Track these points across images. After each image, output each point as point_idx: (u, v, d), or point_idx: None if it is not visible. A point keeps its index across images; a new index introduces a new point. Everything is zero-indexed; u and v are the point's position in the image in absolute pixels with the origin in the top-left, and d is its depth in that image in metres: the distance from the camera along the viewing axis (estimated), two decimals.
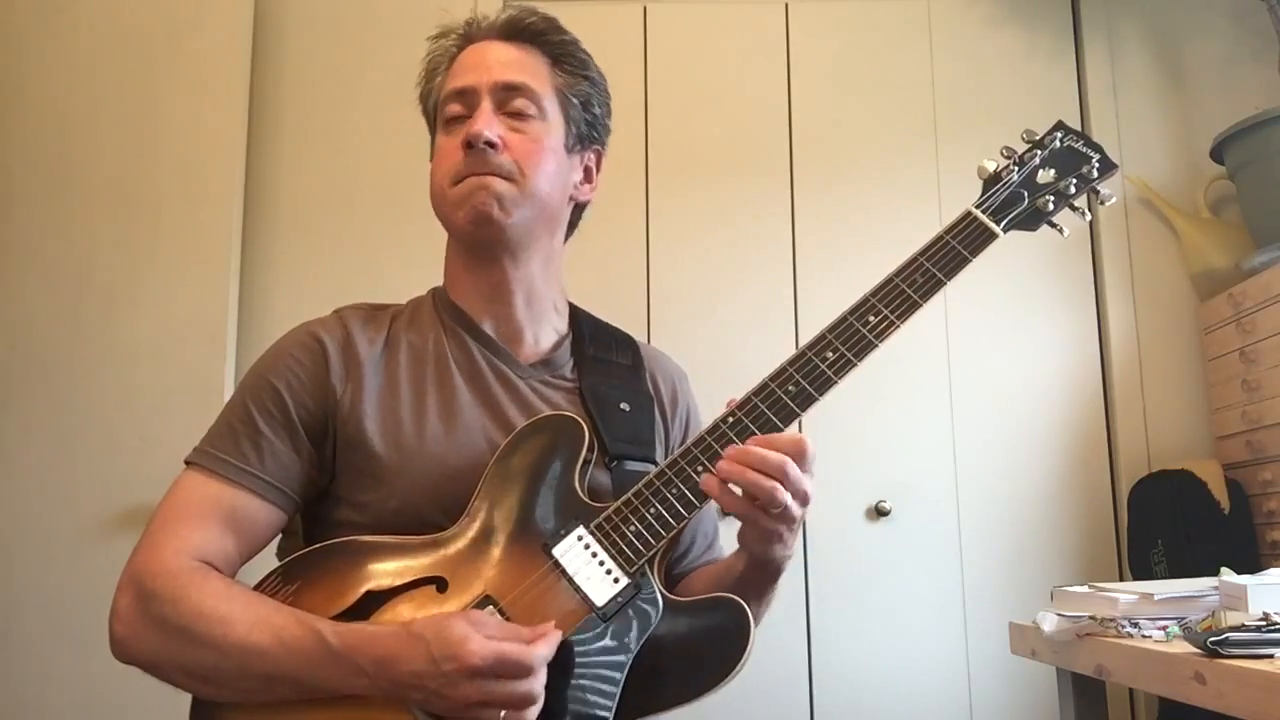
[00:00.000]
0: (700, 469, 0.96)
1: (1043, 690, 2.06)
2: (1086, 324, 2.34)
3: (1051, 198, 1.07)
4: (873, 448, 2.25)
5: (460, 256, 1.14)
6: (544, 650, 0.88)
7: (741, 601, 0.94)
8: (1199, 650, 1.04)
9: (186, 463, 1.03)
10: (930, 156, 2.38)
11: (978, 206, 1.06)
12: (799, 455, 0.93)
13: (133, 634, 0.93)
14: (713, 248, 2.34)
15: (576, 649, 0.92)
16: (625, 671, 0.92)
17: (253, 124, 2.30)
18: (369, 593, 0.95)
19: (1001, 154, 1.11)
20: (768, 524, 0.94)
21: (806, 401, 0.97)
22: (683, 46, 2.42)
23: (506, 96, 1.10)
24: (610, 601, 0.93)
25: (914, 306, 1.00)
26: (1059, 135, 1.11)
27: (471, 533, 0.98)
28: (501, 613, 0.93)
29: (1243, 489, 2.11)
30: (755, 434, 0.95)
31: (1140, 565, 2.13)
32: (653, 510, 0.96)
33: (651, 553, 0.95)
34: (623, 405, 1.12)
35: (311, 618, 0.91)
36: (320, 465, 1.05)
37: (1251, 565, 1.85)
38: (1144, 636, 1.20)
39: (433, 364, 1.09)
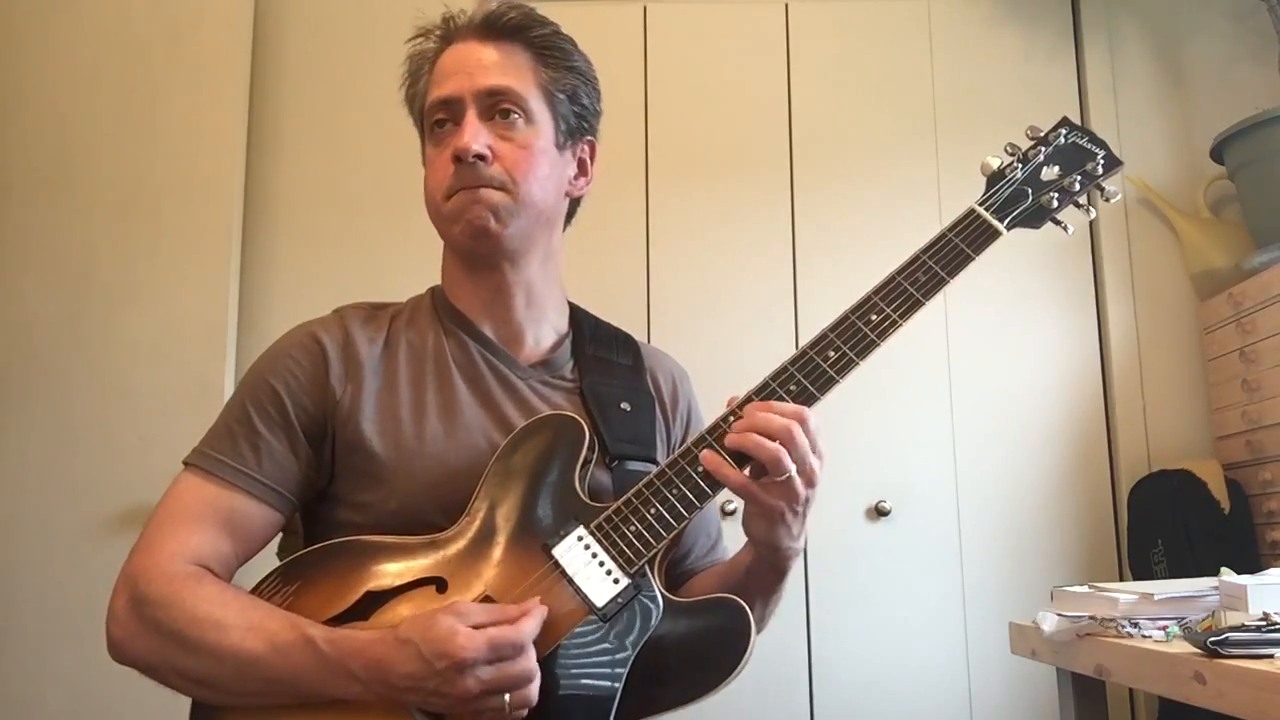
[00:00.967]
0: (700, 469, 0.95)
1: (1043, 690, 2.06)
2: (1086, 324, 2.34)
3: (1056, 195, 1.06)
4: (873, 448, 2.25)
5: (458, 262, 1.14)
6: (531, 624, 0.88)
7: (742, 602, 0.94)
8: (1199, 650, 1.04)
9: (184, 464, 1.03)
10: (930, 156, 2.38)
11: (981, 204, 1.06)
12: (801, 421, 0.92)
13: (128, 637, 0.94)
14: (713, 248, 2.34)
15: (576, 650, 0.92)
16: (625, 672, 0.92)
17: (253, 124, 2.30)
18: (369, 593, 0.95)
19: (1005, 150, 1.10)
20: (770, 500, 0.93)
21: (808, 400, 0.97)
22: (683, 46, 2.42)
23: (491, 102, 1.07)
24: (610, 602, 0.93)
25: (916, 305, 0.99)
26: (1064, 131, 1.10)
27: (471, 533, 0.98)
28: None
29: (1243, 489, 2.11)
30: (718, 456, 0.95)
31: (1140, 565, 2.13)
32: (653, 510, 0.95)
33: (652, 553, 0.95)
34: (623, 405, 1.11)
35: (305, 623, 0.91)
36: (319, 466, 1.04)
37: (1251, 565, 1.85)
38: (1144, 636, 1.20)
39: (432, 364, 1.09)
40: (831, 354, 0.98)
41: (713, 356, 2.17)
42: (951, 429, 2.28)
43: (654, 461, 1.10)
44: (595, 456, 1.04)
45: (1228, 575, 1.23)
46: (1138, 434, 2.27)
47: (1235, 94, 2.35)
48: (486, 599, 0.94)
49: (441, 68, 1.11)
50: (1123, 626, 1.23)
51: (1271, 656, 0.98)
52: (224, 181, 2.22)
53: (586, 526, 0.96)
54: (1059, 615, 1.32)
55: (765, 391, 0.97)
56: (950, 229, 1.03)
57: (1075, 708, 1.43)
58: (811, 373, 0.97)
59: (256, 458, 1.01)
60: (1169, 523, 2.08)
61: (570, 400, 1.11)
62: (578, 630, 0.92)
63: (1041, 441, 2.28)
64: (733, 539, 1.22)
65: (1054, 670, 1.45)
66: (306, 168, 2.33)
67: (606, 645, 0.92)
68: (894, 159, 2.38)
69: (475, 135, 1.05)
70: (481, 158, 1.05)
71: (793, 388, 0.97)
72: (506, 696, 0.85)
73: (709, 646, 0.93)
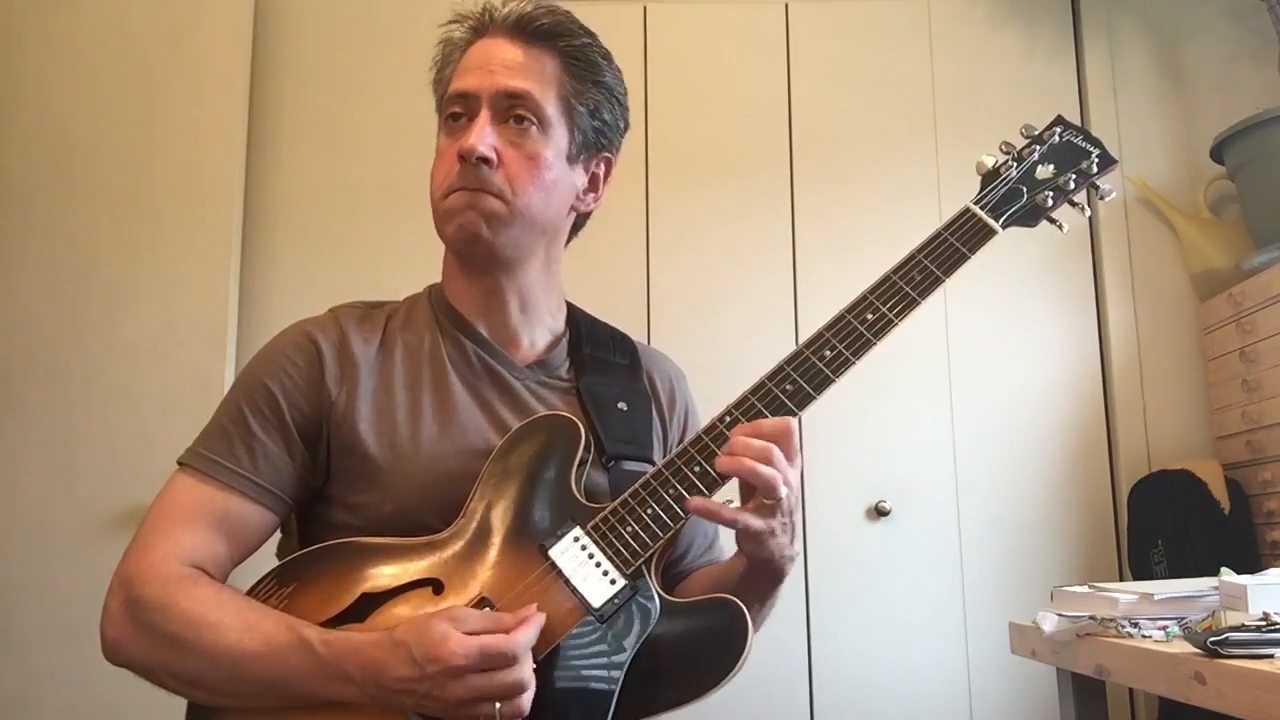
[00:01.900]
0: (698, 469, 0.95)
1: (1043, 690, 2.05)
2: (1086, 324, 2.34)
3: (1051, 193, 1.06)
4: (873, 448, 2.25)
5: (455, 261, 1.13)
6: (526, 635, 0.87)
7: (740, 603, 0.94)
8: (1199, 650, 1.04)
9: (179, 464, 1.02)
10: (930, 156, 2.38)
11: (976, 203, 1.05)
12: (784, 436, 0.93)
13: (123, 638, 0.93)
14: (713, 248, 2.34)
15: (574, 651, 0.92)
16: (623, 673, 0.91)
17: (253, 124, 2.31)
18: (365, 595, 0.94)
19: (1000, 149, 1.10)
20: (758, 524, 0.93)
21: (804, 400, 0.97)
22: (683, 46, 2.42)
23: (508, 105, 1.05)
24: (607, 603, 0.93)
25: (912, 304, 0.99)
26: (1058, 130, 1.10)
27: (468, 534, 0.98)
28: None
29: (1243, 489, 2.11)
30: (706, 500, 0.95)
31: (1140, 565, 2.13)
32: (649, 511, 0.95)
33: (649, 554, 0.94)
34: (620, 405, 1.11)
35: (300, 625, 0.91)
36: (314, 467, 1.04)
37: (1251, 565, 1.85)
38: (1144, 636, 1.20)
39: (428, 365, 1.09)
40: (828, 353, 0.98)
41: (713, 356, 2.16)
42: (951, 429, 2.28)
43: (650, 462, 1.09)
44: (592, 457, 1.04)
45: (1228, 575, 1.23)
46: (1138, 434, 2.27)
47: (1235, 94, 2.35)
48: (483, 600, 0.94)
49: (467, 60, 1.09)
50: (1123, 626, 1.23)
51: (1271, 656, 0.98)
52: (224, 181, 2.23)
53: (583, 527, 0.96)
54: (1059, 615, 1.32)
55: (761, 392, 0.97)
56: (945, 228, 1.03)
57: (1075, 708, 1.43)
58: (807, 372, 0.97)
59: (251, 458, 1.01)
60: (1169, 523, 2.08)
61: (566, 401, 1.11)
62: (575, 631, 0.92)
63: (1041, 441, 2.28)
64: (731, 539, 1.22)
65: (1054, 670, 1.45)
66: (306, 168, 2.34)
67: (604, 646, 0.92)
68: (894, 159, 2.38)
69: (482, 137, 1.03)
70: (486, 161, 1.03)
71: (789, 387, 0.97)
72: (497, 705, 0.85)
73: (707, 647, 0.93)
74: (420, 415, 1.05)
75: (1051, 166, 1.07)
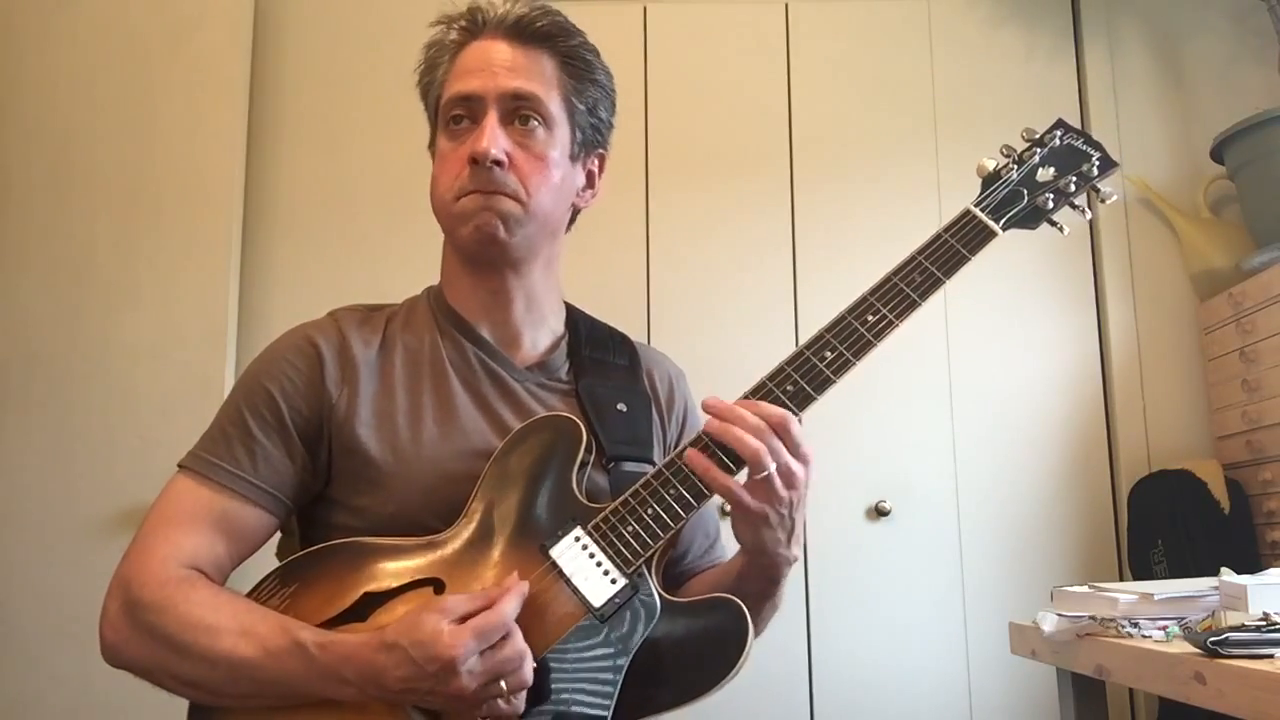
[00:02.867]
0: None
1: (1043, 690, 2.05)
2: (1086, 324, 2.34)
3: (1051, 196, 1.06)
4: (873, 448, 2.25)
5: (459, 262, 1.13)
6: (510, 603, 0.88)
7: (740, 603, 0.94)
8: (1199, 650, 1.04)
9: (179, 467, 1.02)
10: (930, 156, 2.38)
11: (977, 205, 1.06)
12: (779, 426, 0.92)
13: (122, 640, 0.94)
14: (713, 248, 2.34)
15: (574, 650, 0.92)
16: (623, 672, 0.92)
17: (253, 124, 2.31)
18: (367, 594, 0.95)
19: (1001, 152, 1.10)
20: (749, 501, 0.93)
21: (804, 401, 0.97)
22: (683, 46, 2.42)
23: (514, 106, 1.06)
24: (608, 602, 0.93)
25: (912, 306, 0.99)
26: (1059, 133, 1.10)
27: (469, 534, 0.98)
28: None
29: (1243, 489, 2.11)
30: (703, 458, 0.95)
31: (1140, 565, 2.13)
32: (650, 511, 0.95)
33: (649, 553, 0.95)
34: (620, 406, 1.11)
35: (296, 627, 0.91)
36: (314, 470, 1.04)
37: (1251, 565, 1.85)
38: (1144, 636, 1.20)
39: (428, 367, 1.09)
40: (828, 354, 0.98)
41: (713, 356, 2.17)
42: (951, 429, 2.28)
43: (651, 462, 1.10)
44: (592, 458, 1.04)
45: (1228, 575, 1.22)
46: (1138, 434, 2.27)
47: (1235, 94, 2.35)
48: None
49: (464, 62, 1.09)
50: (1123, 626, 1.23)
51: (1271, 656, 0.98)
52: (224, 181, 2.23)
53: (584, 527, 0.96)
54: (1059, 615, 1.32)
55: (762, 393, 0.97)
56: (946, 230, 1.03)
57: (1075, 708, 1.43)
58: (808, 373, 0.97)
59: (251, 461, 1.01)
60: (1169, 523, 2.08)
61: (566, 402, 1.11)
62: (575, 630, 0.92)
63: (1041, 441, 2.28)
64: (731, 539, 1.22)
65: (1054, 670, 1.45)
66: (306, 168, 2.33)
67: (604, 645, 0.92)
68: (894, 159, 2.38)
69: (495, 139, 1.04)
70: (499, 163, 1.04)
71: (789, 388, 0.97)
72: (503, 683, 0.85)
73: (706, 647, 0.93)
74: (421, 417, 1.05)
75: (1052, 169, 1.08)
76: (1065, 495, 2.26)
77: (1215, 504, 2.06)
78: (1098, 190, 1.10)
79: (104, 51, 2.26)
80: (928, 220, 2.38)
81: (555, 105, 1.08)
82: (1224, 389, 2.21)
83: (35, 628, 2.04)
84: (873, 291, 1.00)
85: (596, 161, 1.17)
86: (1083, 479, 2.27)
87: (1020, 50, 2.44)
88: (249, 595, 0.97)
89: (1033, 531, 2.24)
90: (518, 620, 0.89)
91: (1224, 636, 1.01)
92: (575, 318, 1.20)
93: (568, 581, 0.94)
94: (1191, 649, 1.06)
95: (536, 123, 1.07)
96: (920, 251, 1.02)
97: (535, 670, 0.88)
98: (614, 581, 0.94)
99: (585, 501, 0.99)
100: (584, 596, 0.93)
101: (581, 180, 1.15)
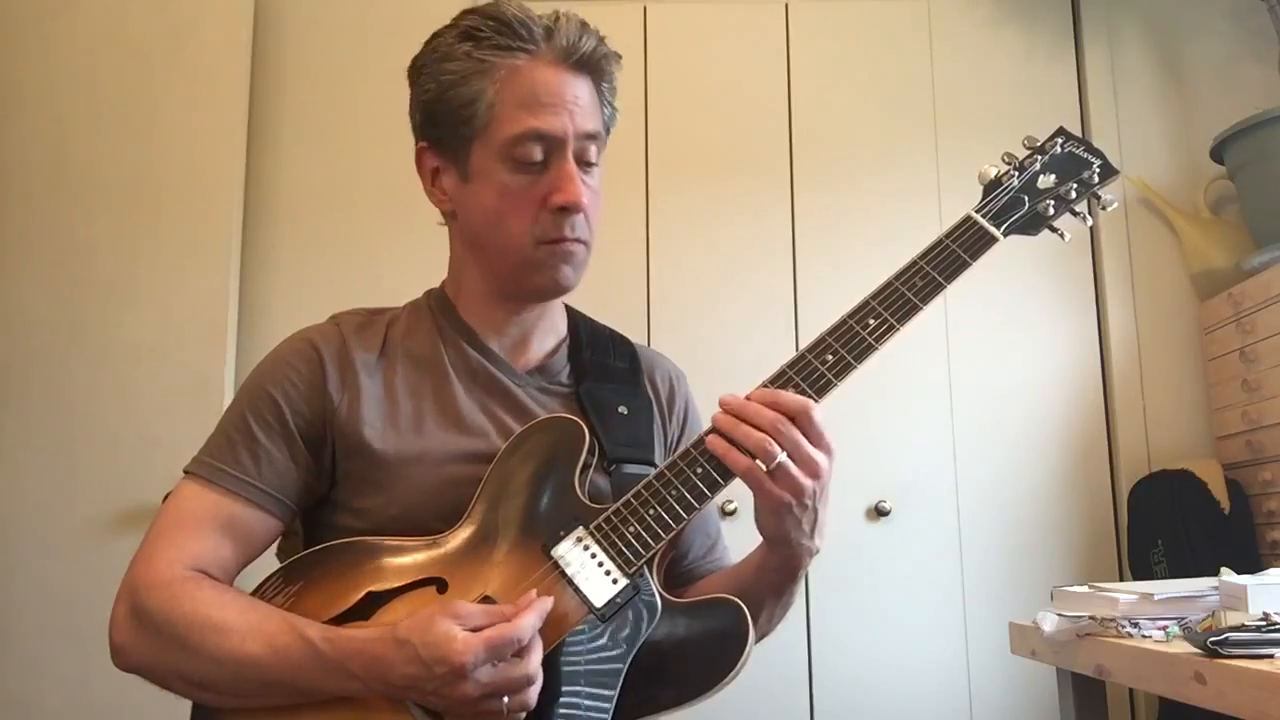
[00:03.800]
0: (700, 470, 0.96)
1: (1043, 690, 2.06)
2: (1086, 324, 2.34)
3: (1052, 202, 1.07)
4: (873, 448, 2.25)
5: (492, 288, 1.10)
6: (531, 620, 0.87)
7: (741, 604, 0.94)
8: (1199, 650, 1.04)
9: (185, 472, 1.03)
10: (930, 156, 2.38)
11: (978, 211, 1.06)
12: (800, 416, 0.92)
13: (130, 643, 0.94)
14: (713, 248, 2.34)
15: (575, 650, 0.92)
16: (623, 673, 0.92)
17: (253, 124, 2.30)
18: (370, 593, 0.95)
19: (1002, 159, 1.11)
20: (770, 488, 0.93)
21: None
22: (683, 46, 2.42)
23: (581, 147, 1.04)
24: (609, 603, 0.93)
25: (913, 310, 0.99)
26: (1060, 141, 1.11)
27: (472, 534, 0.98)
28: None
29: (1243, 489, 2.11)
30: (723, 441, 0.95)
31: (1140, 565, 2.13)
32: (651, 512, 0.96)
33: (650, 554, 0.95)
34: (620, 409, 1.11)
35: (304, 623, 0.91)
36: (318, 473, 1.05)
37: (1251, 565, 1.85)
38: (1144, 636, 1.20)
39: (431, 371, 1.09)
40: (829, 358, 0.98)
41: (713, 356, 2.17)
42: (951, 429, 2.28)
43: (652, 464, 1.09)
44: (594, 461, 1.04)
45: (1228, 575, 1.23)
46: (1138, 434, 2.27)
47: (1235, 94, 2.35)
48: (486, 599, 0.94)
49: (534, 90, 1.02)
50: (1123, 626, 1.23)
51: (1271, 656, 0.98)
52: (224, 181, 2.22)
53: (586, 527, 0.96)
54: (1059, 615, 1.33)
55: None
56: (948, 235, 1.04)
57: (1075, 708, 1.43)
58: (809, 376, 0.97)
59: (256, 465, 1.01)
60: (1169, 523, 2.08)
61: (567, 406, 1.11)
62: (576, 630, 0.93)
63: (1041, 441, 2.28)
64: (732, 540, 1.23)
65: (1054, 670, 1.45)
66: (306, 168, 2.33)
67: (605, 645, 0.93)
68: (894, 159, 2.38)
69: (582, 189, 1.03)
70: (585, 213, 1.04)
71: (790, 391, 0.97)
72: (505, 699, 0.85)
73: (707, 648, 0.93)
74: (423, 420, 1.05)
75: (1053, 176, 1.08)
76: (1065, 495, 2.26)
77: (1215, 504, 2.06)
78: (1098, 197, 1.10)
79: (104, 52, 2.26)
80: (928, 220, 2.39)
81: (603, 138, 1.08)
82: (1224, 389, 2.21)
83: (35, 628, 2.04)
84: (874, 296, 1.00)
85: None
86: (1083, 479, 2.27)
87: (1020, 50, 2.44)
88: (253, 595, 0.97)
89: (1033, 531, 2.24)
90: None
91: (1224, 636, 1.01)
92: (576, 320, 1.20)
93: (569, 581, 0.94)
94: (1191, 649, 1.06)
95: (595, 164, 1.06)
96: (922, 256, 1.02)
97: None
98: (615, 582, 0.94)
99: (587, 502, 0.99)
100: (585, 596, 0.93)
101: None
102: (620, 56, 1.10)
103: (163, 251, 2.19)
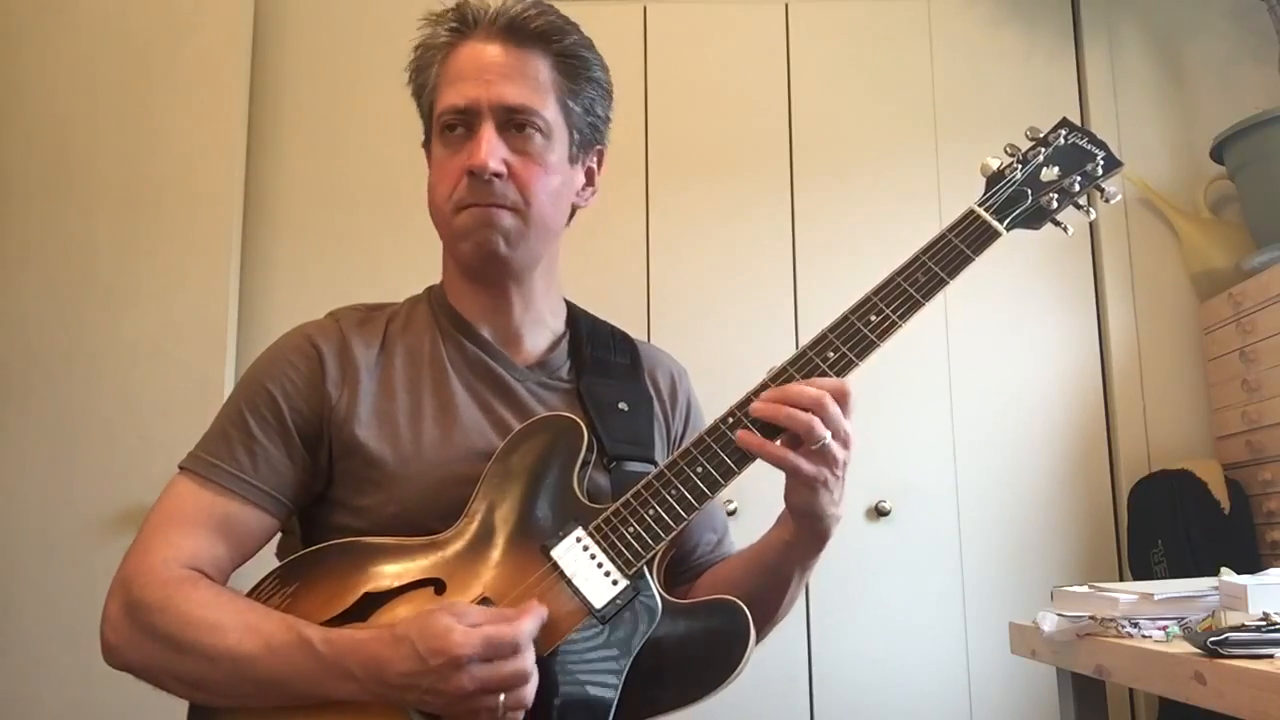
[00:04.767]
0: (700, 470, 0.95)
1: (1043, 690, 2.05)
2: (1086, 324, 2.34)
3: (1055, 195, 1.06)
4: (873, 448, 2.25)
5: (459, 270, 1.12)
6: (529, 624, 0.87)
7: (741, 604, 0.94)
8: (1199, 650, 1.04)
9: (180, 468, 1.02)
10: (930, 156, 2.38)
11: (980, 205, 1.05)
12: (839, 395, 0.94)
13: (123, 641, 0.93)
14: (713, 248, 2.34)
15: (575, 651, 0.92)
16: (624, 674, 0.91)
17: (253, 124, 2.30)
18: (367, 594, 0.95)
19: (1005, 151, 1.10)
20: (810, 469, 0.93)
21: None
22: (683, 46, 2.42)
23: (510, 114, 1.04)
24: (609, 604, 0.93)
25: (916, 306, 0.99)
26: (1063, 132, 1.10)
27: (470, 534, 0.98)
28: None
29: (1243, 489, 2.11)
30: (755, 434, 0.95)
31: (1140, 565, 2.13)
32: (651, 511, 0.95)
33: (650, 554, 0.94)
34: (621, 405, 1.11)
35: (300, 623, 0.91)
36: (315, 471, 1.04)
37: (1251, 565, 1.85)
38: (1144, 636, 1.20)
39: (429, 367, 1.09)
40: (831, 354, 0.98)
41: (713, 356, 2.16)
42: (951, 429, 2.28)
43: (652, 462, 1.09)
44: (594, 458, 1.04)
45: (1228, 575, 1.23)
46: (1138, 434, 2.27)
47: (1235, 94, 2.35)
48: (485, 600, 0.94)
49: (456, 67, 1.06)
50: (1123, 626, 1.23)
51: (1271, 656, 0.98)
52: (224, 181, 2.22)
53: (585, 528, 0.96)
54: (1059, 615, 1.33)
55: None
56: (950, 230, 1.03)
57: (1075, 708, 1.43)
58: (811, 373, 0.97)
59: (252, 462, 1.01)
60: (1169, 523, 2.08)
61: (567, 402, 1.11)
62: (576, 632, 0.92)
63: (1041, 441, 2.28)
64: (736, 536, 1.22)
65: (1054, 670, 1.45)
66: (306, 168, 2.33)
67: (605, 647, 0.92)
68: (894, 159, 2.38)
69: (492, 152, 1.02)
70: (498, 175, 1.03)
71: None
72: (501, 697, 0.85)
73: (708, 648, 0.93)
74: (421, 418, 1.05)
75: (1056, 169, 1.07)
76: (1065, 495, 2.26)
77: (1215, 504, 2.06)
78: (1101, 190, 1.09)
79: (103, 52, 2.26)
80: (928, 220, 2.38)
81: (552, 111, 1.06)
82: (1224, 389, 2.21)
83: (35, 628, 2.04)
84: (876, 292, 1.00)
85: (595, 159, 1.16)
86: (1083, 479, 2.27)
87: (1020, 50, 2.44)
88: (248, 595, 0.97)
89: (1033, 531, 2.24)
90: None
91: (1224, 636, 1.01)
92: (576, 316, 1.20)
93: (569, 582, 0.94)
94: (1191, 649, 1.06)
95: (533, 130, 1.05)
96: (924, 251, 1.02)
97: (536, 669, 0.88)
98: (615, 583, 0.94)
99: (586, 502, 0.99)
100: (585, 598, 0.93)
101: (581, 180, 1.14)
102: (580, 32, 1.10)
103: (163, 252, 2.19)
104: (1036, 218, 1.06)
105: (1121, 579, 2.19)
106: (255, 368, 1.07)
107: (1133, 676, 1.18)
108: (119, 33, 2.27)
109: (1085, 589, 1.35)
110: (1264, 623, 1.05)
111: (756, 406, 0.94)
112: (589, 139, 1.13)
